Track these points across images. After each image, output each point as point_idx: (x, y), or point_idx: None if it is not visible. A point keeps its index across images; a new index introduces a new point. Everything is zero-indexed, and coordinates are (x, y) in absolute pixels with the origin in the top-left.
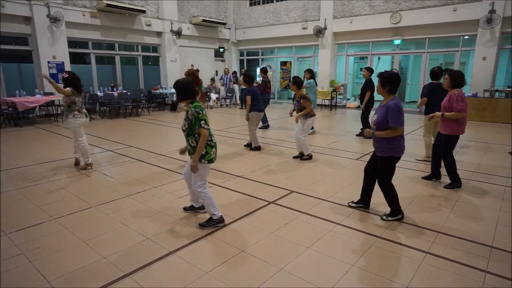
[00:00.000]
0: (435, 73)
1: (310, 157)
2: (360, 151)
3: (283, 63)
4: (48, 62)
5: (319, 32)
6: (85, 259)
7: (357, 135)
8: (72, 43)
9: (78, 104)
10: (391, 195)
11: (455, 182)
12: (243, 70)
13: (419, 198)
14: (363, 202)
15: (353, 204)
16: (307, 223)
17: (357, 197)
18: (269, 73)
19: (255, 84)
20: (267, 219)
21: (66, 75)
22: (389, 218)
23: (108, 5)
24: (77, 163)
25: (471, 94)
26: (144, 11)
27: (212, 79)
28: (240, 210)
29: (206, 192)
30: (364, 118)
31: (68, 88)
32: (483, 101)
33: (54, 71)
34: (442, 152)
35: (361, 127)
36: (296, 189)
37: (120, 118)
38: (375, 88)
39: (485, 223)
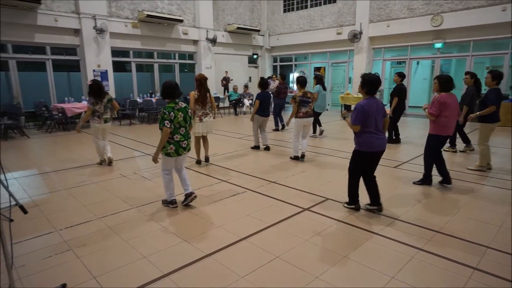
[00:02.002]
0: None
1: (295, 158)
2: (399, 158)
3: (317, 69)
4: (94, 71)
5: (355, 37)
6: (127, 257)
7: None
8: (115, 52)
9: (99, 111)
10: (351, 186)
11: (426, 179)
12: (274, 76)
13: (427, 200)
14: (374, 204)
15: (368, 207)
16: (343, 231)
17: (395, 208)
18: None
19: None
20: (301, 226)
21: (90, 83)
22: (345, 206)
23: (148, 15)
24: (110, 162)
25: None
26: (181, 20)
27: (246, 86)
28: (274, 216)
29: (164, 176)
30: (393, 125)
31: (88, 105)
32: None
33: (98, 79)
34: (424, 150)
35: (397, 134)
36: (331, 197)
37: (157, 123)
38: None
39: (490, 226)
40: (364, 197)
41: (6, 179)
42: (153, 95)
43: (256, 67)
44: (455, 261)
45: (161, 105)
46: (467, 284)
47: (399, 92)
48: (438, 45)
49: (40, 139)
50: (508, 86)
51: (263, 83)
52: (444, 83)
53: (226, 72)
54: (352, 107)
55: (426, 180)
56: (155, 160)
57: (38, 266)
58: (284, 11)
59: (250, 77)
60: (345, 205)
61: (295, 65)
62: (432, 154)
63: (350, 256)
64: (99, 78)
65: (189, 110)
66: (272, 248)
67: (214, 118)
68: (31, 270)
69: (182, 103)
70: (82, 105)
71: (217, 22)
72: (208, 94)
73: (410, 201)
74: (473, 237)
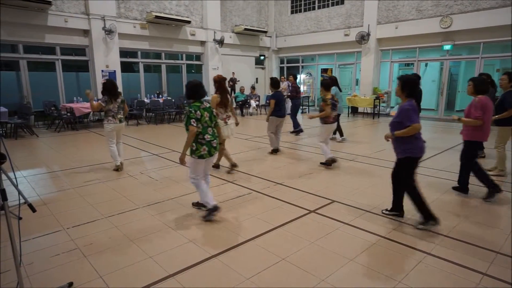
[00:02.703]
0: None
1: (328, 163)
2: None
3: (324, 70)
4: (102, 71)
5: (362, 38)
6: (133, 257)
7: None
8: (123, 53)
9: (113, 110)
10: (415, 198)
11: (490, 188)
12: (282, 77)
13: (438, 204)
14: (396, 210)
15: (387, 212)
16: (349, 234)
17: (405, 210)
18: (309, 80)
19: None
20: (307, 228)
21: (103, 81)
22: (420, 226)
23: (156, 16)
24: (120, 169)
25: None
26: (189, 22)
27: (253, 87)
28: (280, 217)
29: (195, 182)
30: None
31: (99, 102)
32: None
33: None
34: (460, 158)
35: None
36: (338, 199)
37: (164, 124)
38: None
39: (498, 230)
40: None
41: (15, 178)
42: (160, 96)
43: (263, 68)
44: (464, 266)
45: (168, 105)
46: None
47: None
48: (447, 47)
49: (49, 138)
50: None
51: (275, 82)
52: (479, 85)
53: (233, 73)
54: (361, 109)
55: (463, 189)
56: (182, 160)
57: (45, 264)
58: (292, 12)
59: (256, 78)
60: (421, 226)
61: (302, 66)
62: (472, 162)
63: (356, 259)
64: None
65: (214, 110)
66: (277, 250)
67: (236, 122)
68: (39, 268)
69: (207, 103)
70: (95, 103)
71: (224, 23)
72: (228, 95)
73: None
74: (482, 242)
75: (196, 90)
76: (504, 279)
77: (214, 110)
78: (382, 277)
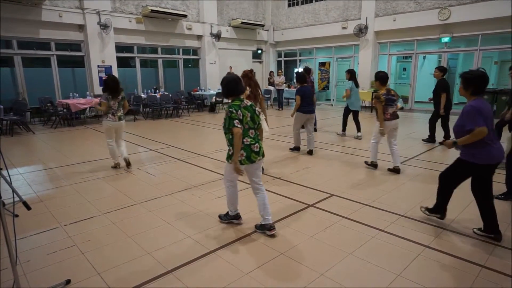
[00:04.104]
0: None
1: (374, 165)
2: (404, 154)
3: (322, 64)
4: (98, 66)
5: (360, 31)
6: (131, 253)
7: (440, 143)
8: (119, 48)
9: (113, 107)
10: (484, 209)
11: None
12: (279, 71)
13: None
14: (437, 212)
15: (427, 212)
16: (348, 228)
17: (403, 204)
18: None
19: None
20: (306, 222)
21: (105, 78)
22: (478, 232)
23: (152, 10)
24: (128, 164)
25: None
26: (185, 16)
27: None
28: (279, 212)
29: (228, 188)
30: (445, 124)
31: (101, 100)
32: None
33: (102, 74)
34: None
35: (444, 134)
36: (337, 193)
37: (161, 119)
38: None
39: (506, 225)
40: (403, 203)
41: (9, 175)
42: (157, 91)
43: (260, 62)
44: (463, 258)
45: (165, 100)
46: (475, 282)
47: (446, 87)
48: (445, 39)
49: (45, 135)
50: None
51: (301, 77)
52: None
53: (231, 67)
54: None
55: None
56: (238, 170)
57: (42, 262)
58: (289, 5)
59: (254, 73)
60: (483, 234)
61: (300, 60)
62: None
63: (355, 253)
64: (103, 74)
65: (257, 109)
66: (276, 244)
67: (265, 118)
68: (36, 266)
69: (248, 101)
70: (86, 101)
71: (221, 17)
72: (259, 89)
73: (417, 199)
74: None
75: (233, 87)
76: (503, 271)
77: (257, 109)
78: (381, 271)
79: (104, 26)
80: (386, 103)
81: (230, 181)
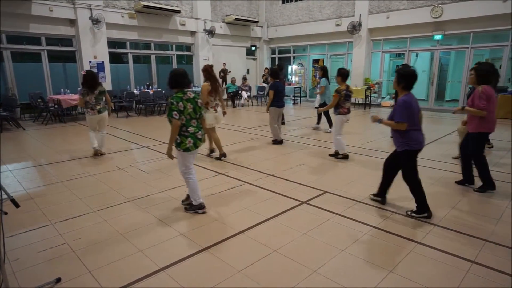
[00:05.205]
0: None
1: (344, 156)
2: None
3: (316, 61)
4: (90, 62)
5: (354, 28)
6: (123, 251)
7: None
8: (111, 43)
9: (91, 102)
10: (414, 190)
11: (488, 185)
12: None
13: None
14: (379, 195)
15: (372, 197)
16: (341, 225)
17: (395, 199)
18: (301, 71)
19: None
20: (299, 219)
21: (84, 73)
22: (413, 215)
23: (145, 6)
24: (95, 154)
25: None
26: (179, 11)
27: (244, 78)
28: (272, 209)
29: (189, 177)
30: None
31: (78, 95)
32: None
33: (94, 70)
34: (470, 151)
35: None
36: (329, 190)
37: (155, 116)
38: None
39: (489, 219)
40: (396, 199)
41: None
42: (150, 87)
43: (254, 59)
44: (454, 254)
45: (158, 97)
46: (465, 278)
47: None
48: (438, 37)
49: (36, 131)
50: (507, 78)
51: (274, 72)
52: (482, 75)
53: (224, 64)
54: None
55: (488, 184)
56: (169, 154)
57: (32, 260)
58: (283, 2)
59: (248, 69)
60: (413, 214)
61: (294, 57)
62: (482, 154)
63: (347, 250)
64: (95, 70)
65: (199, 101)
66: (269, 241)
67: (224, 111)
68: (26, 264)
69: (191, 93)
70: (78, 97)
71: (214, 13)
72: (217, 83)
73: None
74: (471, 231)
75: (179, 80)
76: (493, 266)
77: (199, 100)
78: (374, 267)
79: (96, 21)
80: (345, 98)
81: (187, 170)
